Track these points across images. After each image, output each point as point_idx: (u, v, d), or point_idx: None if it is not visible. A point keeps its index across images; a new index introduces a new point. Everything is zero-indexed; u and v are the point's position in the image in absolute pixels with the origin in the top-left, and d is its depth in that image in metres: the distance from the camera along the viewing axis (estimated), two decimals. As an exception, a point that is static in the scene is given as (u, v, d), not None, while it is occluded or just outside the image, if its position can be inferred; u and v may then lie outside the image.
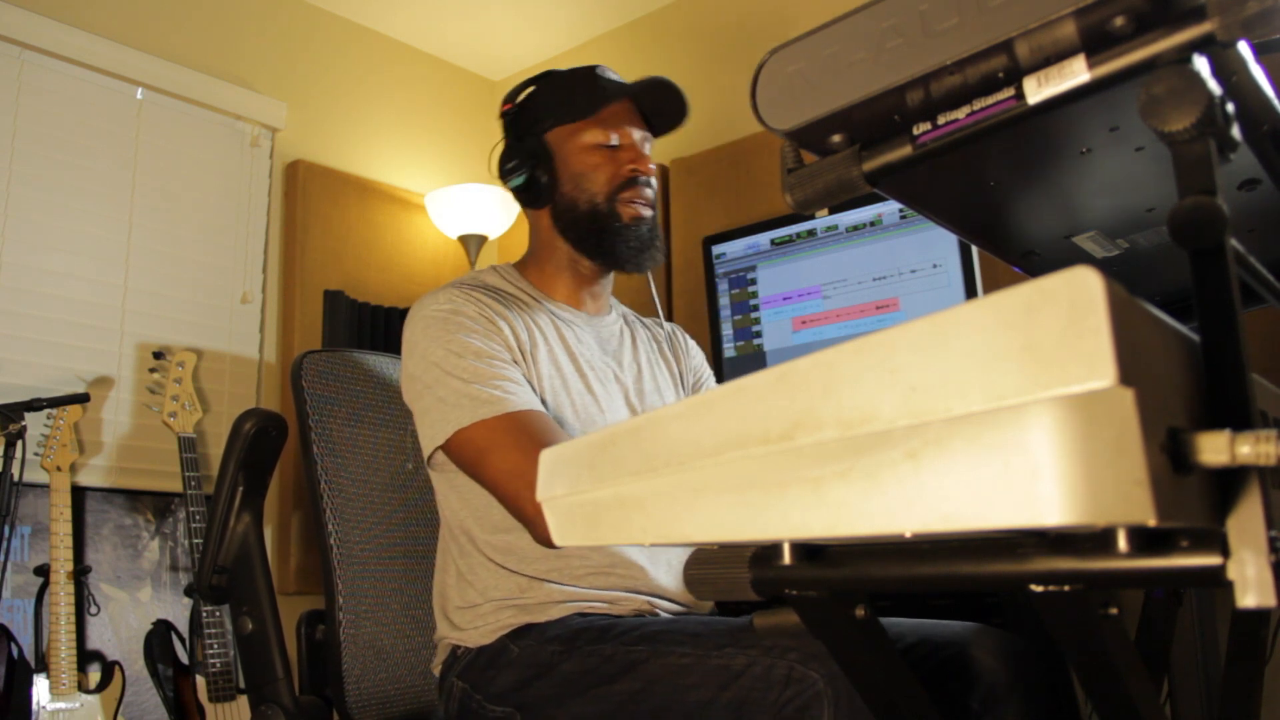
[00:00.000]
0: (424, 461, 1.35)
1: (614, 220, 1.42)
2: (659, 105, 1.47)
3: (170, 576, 2.62)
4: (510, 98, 1.49)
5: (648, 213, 1.45)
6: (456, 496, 1.36)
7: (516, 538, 1.31)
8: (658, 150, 1.53)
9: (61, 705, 2.17)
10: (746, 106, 0.68)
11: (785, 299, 2.37)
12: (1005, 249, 0.85)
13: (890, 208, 2.23)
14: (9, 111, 2.50)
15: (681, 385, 1.59)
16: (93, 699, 2.23)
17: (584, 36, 3.42)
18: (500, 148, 1.50)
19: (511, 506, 1.25)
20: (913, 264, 2.19)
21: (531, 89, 1.48)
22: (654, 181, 1.46)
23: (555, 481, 0.60)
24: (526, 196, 1.46)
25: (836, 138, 0.67)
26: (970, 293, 2.12)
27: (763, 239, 2.41)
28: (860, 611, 0.63)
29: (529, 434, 1.23)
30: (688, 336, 1.68)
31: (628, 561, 1.33)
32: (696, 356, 1.65)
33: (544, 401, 1.34)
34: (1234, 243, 0.52)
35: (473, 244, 3.13)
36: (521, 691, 1.23)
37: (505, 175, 1.47)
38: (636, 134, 1.46)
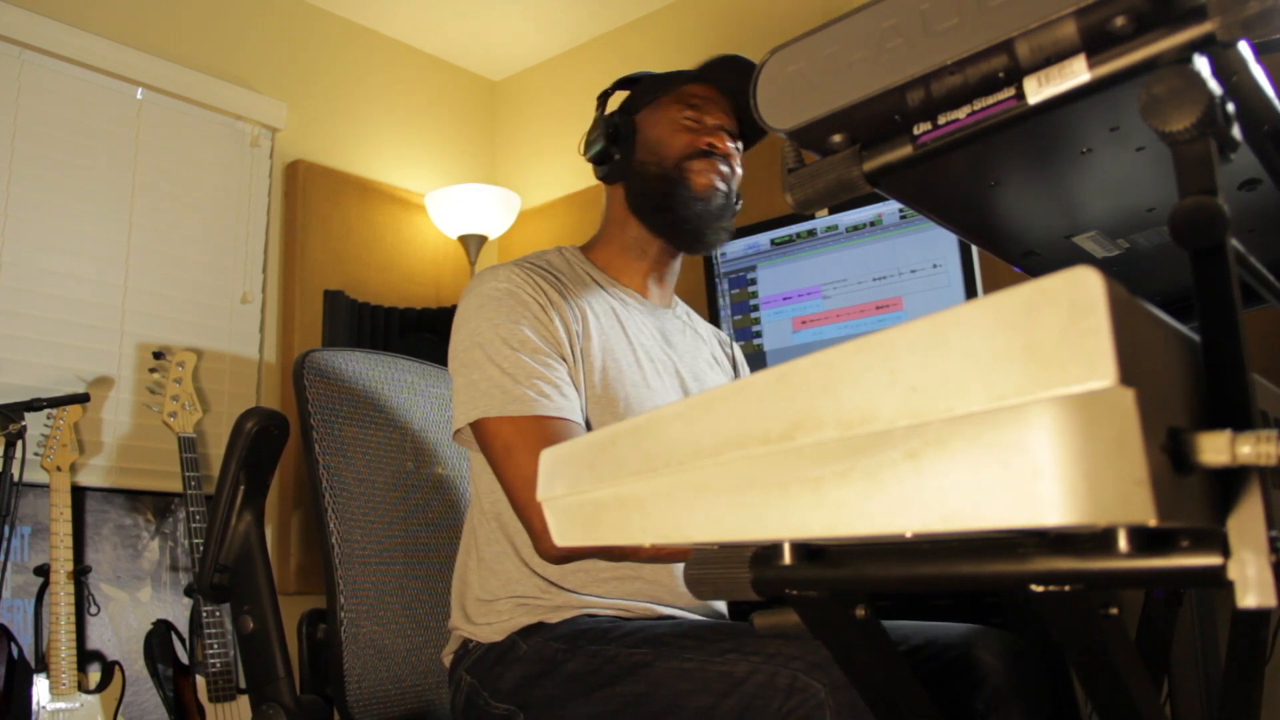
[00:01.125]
0: (451, 435, 1.32)
1: (682, 189, 1.40)
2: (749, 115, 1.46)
3: (170, 576, 2.62)
4: (618, 87, 1.51)
5: (721, 185, 1.42)
6: (488, 474, 1.34)
7: None
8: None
9: (61, 705, 2.17)
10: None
11: (785, 299, 2.37)
12: (1005, 249, 0.85)
13: (890, 208, 2.23)
14: (9, 111, 2.50)
15: None
16: (93, 699, 2.23)
17: (585, 36, 3.42)
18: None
19: (521, 514, 1.24)
20: (913, 264, 2.19)
21: (634, 82, 1.50)
22: (734, 164, 1.44)
23: (555, 482, 0.60)
24: (604, 168, 1.45)
25: (837, 138, 0.67)
26: (970, 293, 2.12)
27: (763, 239, 2.41)
28: (860, 611, 0.63)
29: (551, 443, 1.21)
30: (744, 361, 1.66)
31: (654, 567, 1.32)
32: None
33: (595, 388, 1.32)
34: (1234, 243, 0.52)
35: (473, 244, 3.13)
36: (526, 690, 1.23)
37: (587, 146, 1.46)
38: (720, 119, 1.45)
